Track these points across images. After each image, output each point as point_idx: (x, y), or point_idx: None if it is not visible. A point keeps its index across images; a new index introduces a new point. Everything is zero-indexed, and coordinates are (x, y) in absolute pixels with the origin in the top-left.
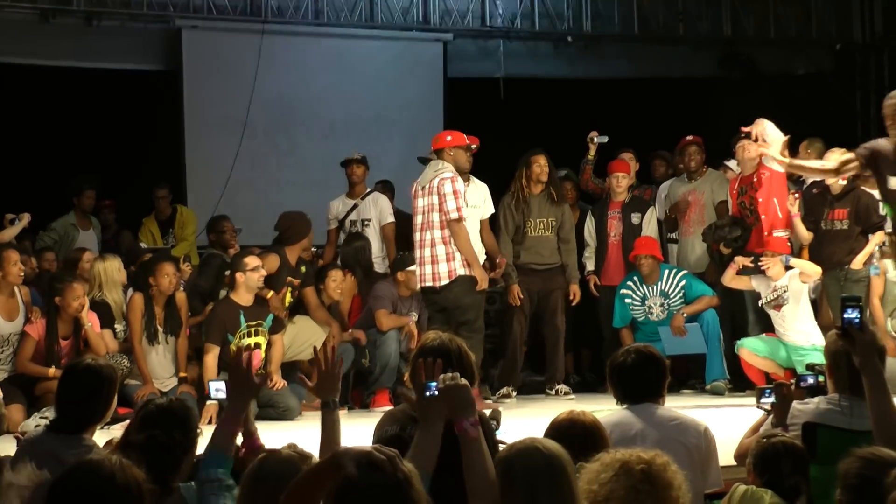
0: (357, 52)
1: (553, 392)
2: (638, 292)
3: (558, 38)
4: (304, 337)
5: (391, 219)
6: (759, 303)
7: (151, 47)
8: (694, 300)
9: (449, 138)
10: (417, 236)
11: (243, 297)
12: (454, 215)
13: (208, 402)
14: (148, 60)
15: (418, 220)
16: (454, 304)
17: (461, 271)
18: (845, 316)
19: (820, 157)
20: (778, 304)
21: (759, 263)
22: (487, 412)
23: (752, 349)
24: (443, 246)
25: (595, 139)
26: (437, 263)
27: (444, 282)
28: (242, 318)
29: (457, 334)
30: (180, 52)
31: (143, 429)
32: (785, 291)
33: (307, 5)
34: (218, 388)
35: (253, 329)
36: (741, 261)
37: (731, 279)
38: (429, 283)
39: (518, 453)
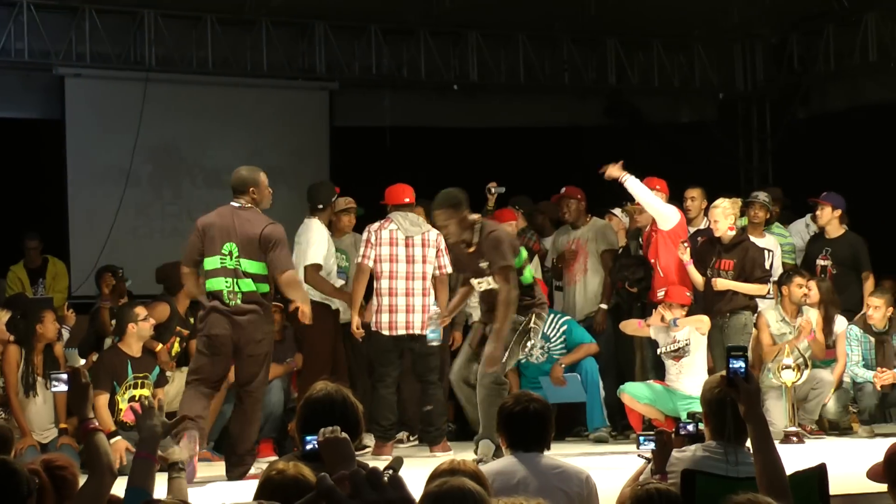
0: (243, 100)
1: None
2: None
3: (444, 87)
4: None
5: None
6: (658, 351)
7: (34, 95)
8: (574, 347)
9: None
10: (402, 284)
11: (132, 348)
12: (449, 269)
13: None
14: (30, 109)
15: (401, 268)
16: (428, 351)
17: None
18: (731, 366)
19: (703, 204)
20: (679, 355)
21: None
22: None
23: (632, 395)
24: (431, 296)
25: (493, 190)
26: (426, 312)
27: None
28: (130, 369)
29: (425, 380)
30: (63, 100)
31: None
32: (687, 344)
33: (192, 54)
34: (57, 379)
35: (139, 381)
36: (655, 319)
37: (633, 329)
38: (417, 331)
39: (449, 493)
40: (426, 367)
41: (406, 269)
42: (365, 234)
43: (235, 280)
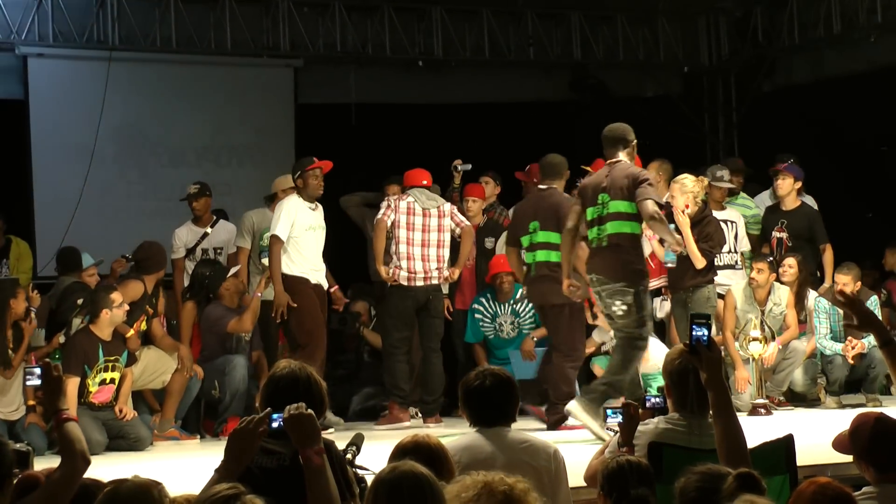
0: (207, 78)
1: None
2: (489, 310)
3: (409, 63)
4: (155, 367)
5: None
6: (604, 350)
7: None
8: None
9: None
10: (418, 250)
11: (104, 332)
12: (467, 223)
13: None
14: None
15: (417, 235)
16: (435, 314)
17: None
18: (694, 333)
19: (670, 178)
20: None
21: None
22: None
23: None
24: (446, 260)
25: (458, 167)
26: (441, 262)
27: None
28: (101, 353)
29: (427, 346)
30: (26, 80)
31: None
32: None
33: (155, 33)
34: (31, 374)
35: (110, 364)
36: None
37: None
38: (435, 281)
39: (401, 477)
40: (432, 332)
41: (422, 237)
42: (385, 203)
43: None
